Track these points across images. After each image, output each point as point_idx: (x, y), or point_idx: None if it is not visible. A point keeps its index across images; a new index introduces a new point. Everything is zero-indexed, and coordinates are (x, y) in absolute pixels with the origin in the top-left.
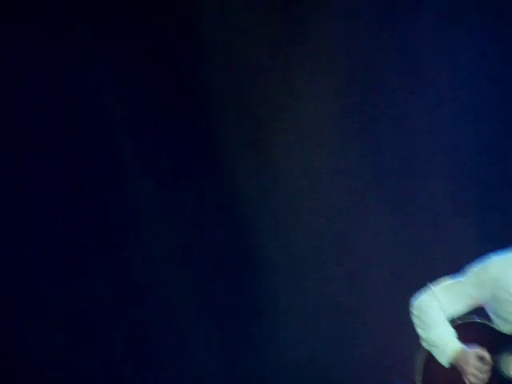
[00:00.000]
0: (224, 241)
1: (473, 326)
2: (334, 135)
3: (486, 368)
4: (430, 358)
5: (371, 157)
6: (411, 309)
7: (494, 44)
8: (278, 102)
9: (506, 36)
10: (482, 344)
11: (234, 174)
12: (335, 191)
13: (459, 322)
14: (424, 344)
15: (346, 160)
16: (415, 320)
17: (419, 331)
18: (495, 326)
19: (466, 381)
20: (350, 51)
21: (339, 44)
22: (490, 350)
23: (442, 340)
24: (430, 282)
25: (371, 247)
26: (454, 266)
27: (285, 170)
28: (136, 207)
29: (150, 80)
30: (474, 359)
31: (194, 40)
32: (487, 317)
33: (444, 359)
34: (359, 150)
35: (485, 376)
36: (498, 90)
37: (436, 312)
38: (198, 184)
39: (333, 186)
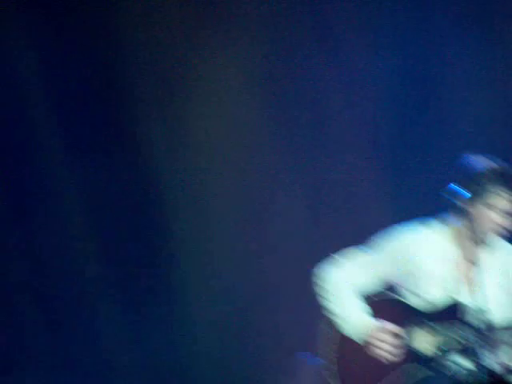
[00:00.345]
0: (135, 234)
1: (384, 299)
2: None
3: (400, 344)
4: (335, 330)
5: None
6: (318, 280)
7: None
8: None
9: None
10: (393, 320)
11: (149, 171)
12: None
13: (371, 294)
14: (334, 318)
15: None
16: (323, 293)
17: (328, 305)
18: (404, 302)
19: (379, 356)
20: (259, 47)
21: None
22: (400, 325)
23: (354, 315)
24: (334, 252)
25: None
26: (360, 235)
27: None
28: (46, 187)
29: (62, 66)
30: (388, 335)
31: (109, 33)
32: (396, 291)
33: (356, 334)
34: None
35: (398, 352)
36: (369, 92)
37: (347, 286)
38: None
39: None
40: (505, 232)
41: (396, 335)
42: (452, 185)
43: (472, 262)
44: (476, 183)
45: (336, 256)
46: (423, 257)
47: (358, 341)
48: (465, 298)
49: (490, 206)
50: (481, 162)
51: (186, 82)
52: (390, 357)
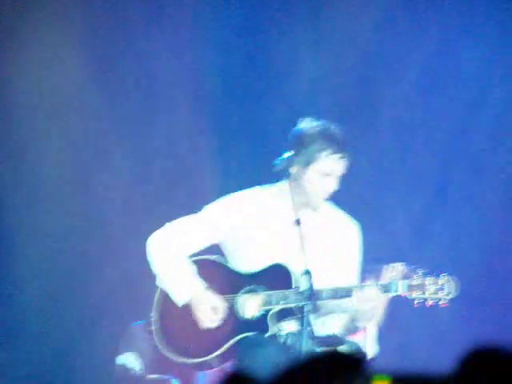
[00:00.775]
0: None
1: (211, 264)
2: None
3: (218, 317)
4: (165, 296)
5: None
6: (147, 247)
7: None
8: None
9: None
10: (220, 283)
11: None
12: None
13: (198, 258)
14: (159, 282)
15: None
16: (151, 258)
17: (155, 270)
18: (231, 266)
19: (200, 320)
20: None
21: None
22: (226, 290)
23: (177, 280)
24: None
25: None
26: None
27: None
28: None
29: None
30: (207, 308)
31: None
32: (223, 254)
33: (178, 300)
34: None
35: (216, 323)
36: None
37: (173, 249)
38: None
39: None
40: (330, 193)
41: (216, 309)
42: (285, 150)
43: (297, 224)
44: (300, 146)
45: (166, 223)
46: (249, 219)
47: (179, 305)
48: (289, 260)
49: (313, 168)
50: (306, 125)
51: None
52: (210, 320)
